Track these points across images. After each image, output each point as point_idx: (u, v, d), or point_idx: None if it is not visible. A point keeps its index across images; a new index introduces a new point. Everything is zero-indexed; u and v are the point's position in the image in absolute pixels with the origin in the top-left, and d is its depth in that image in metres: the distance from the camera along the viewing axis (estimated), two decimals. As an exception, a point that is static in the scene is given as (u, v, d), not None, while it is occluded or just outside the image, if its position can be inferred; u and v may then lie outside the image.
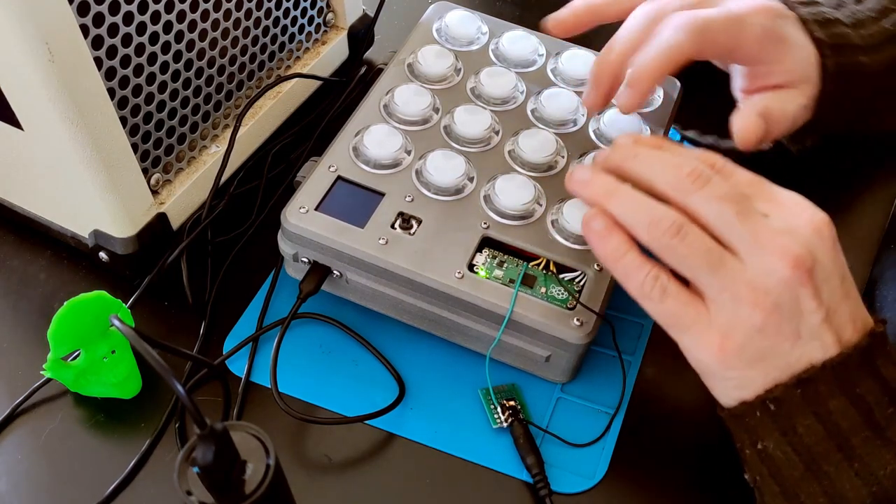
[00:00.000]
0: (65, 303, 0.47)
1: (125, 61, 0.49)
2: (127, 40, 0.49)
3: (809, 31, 0.51)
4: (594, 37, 0.55)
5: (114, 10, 0.47)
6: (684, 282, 0.42)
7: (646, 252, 0.42)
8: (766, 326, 0.40)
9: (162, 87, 0.53)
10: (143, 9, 0.49)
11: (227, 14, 0.56)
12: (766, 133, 0.50)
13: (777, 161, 0.63)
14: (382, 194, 0.51)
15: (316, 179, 0.51)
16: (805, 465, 0.40)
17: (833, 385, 0.40)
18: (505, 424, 0.49)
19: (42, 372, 0.49)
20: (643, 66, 0.47)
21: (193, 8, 0.52)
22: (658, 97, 0.58)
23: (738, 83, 0.53)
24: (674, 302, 0.41)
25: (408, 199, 0.51)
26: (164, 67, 0.52)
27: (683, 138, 0.63)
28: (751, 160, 0.59)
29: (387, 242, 0.49)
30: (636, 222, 0.41)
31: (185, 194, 0.56)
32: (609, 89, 0.49)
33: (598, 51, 0.61)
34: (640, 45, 0.48)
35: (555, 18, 0.52)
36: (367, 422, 0.50)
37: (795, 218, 0.40)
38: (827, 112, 0.53)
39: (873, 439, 0.39)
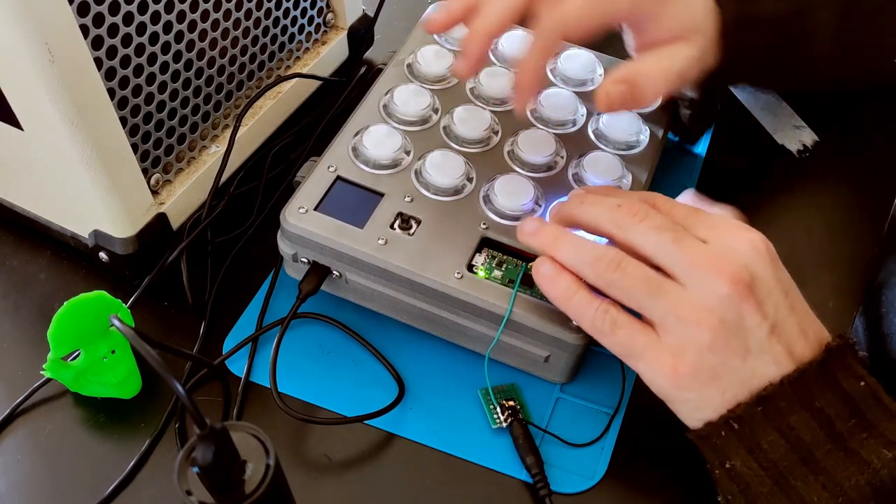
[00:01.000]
0: (65, 303, 0.47)
1: (125, 62, 0.49)
2: (127, 41, 0.49)
3: None
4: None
5: (114, 10, 0.47)
6: (636, 316, 0.43)
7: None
8: (715, 343, 0.41)
9: (162, 87, 0.53)
10: (143, 9, 0.49)
11: (227, 14, 0.56)
12: (631, 98, 0.49)
13: (777, 163, 0.63)
14: (382, 194, 0.51)
15: (315, 179, 0.52)
16: (773, 481, 0.41)
17: (792, 400, 0.40)
18: (504, 424, 0.49)
19: (42, 372, 0.49)
20: (523, 71, 0.48)
21: (193, 8, 0.52)
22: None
23: (629, 42, 0.53)
24: (624, 332, 0.43)
25: (407, 199, 0.51)
26: (164, 68, 0.52)
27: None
28: (751, 161, 0.59)
29: (386, 243, 0.49)
30: (580, 263, 0.44)
31: (185, 194, 0.56)
32: (477, 57, 0.49)
33: (599, 51, 0.61)
34: (501, 21, 0.47)
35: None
36: (366, 422, 0.50)
37: (732, 240, 0.42)
38: (734, 62, 0.52)
39: (836, 451, 0.40)
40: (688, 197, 0.49)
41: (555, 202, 0.51)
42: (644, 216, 0.43)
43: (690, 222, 0.44)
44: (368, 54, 0.71)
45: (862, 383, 0.41)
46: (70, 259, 0.58)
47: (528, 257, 0.50)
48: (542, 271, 0.45)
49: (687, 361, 0.41)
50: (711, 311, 0.41)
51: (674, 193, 0.48)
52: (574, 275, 0.44)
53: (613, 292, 0.43)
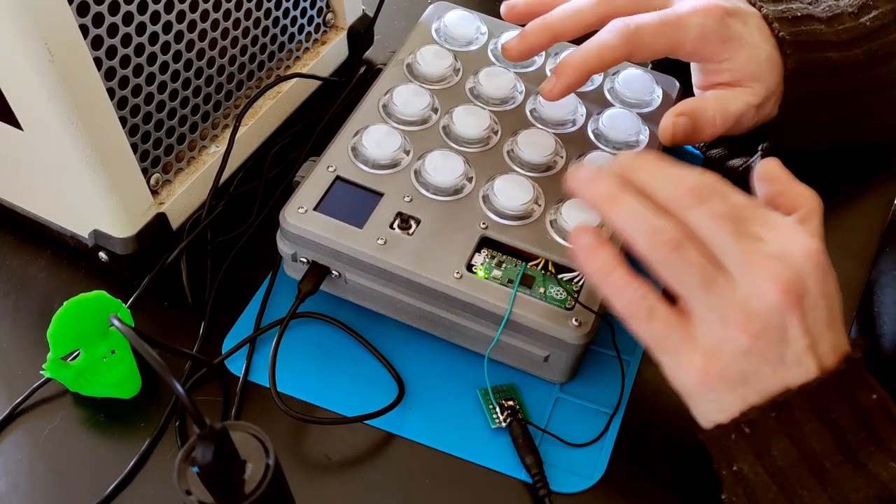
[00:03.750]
0: (65, 303, 0.47)
1: (125, 61, 0.49)
2: (126, 40, 0.49)
3: (772, 30, 0.52)
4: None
5: (113, 10, 0.47)
6: (671, 301, 0.41)
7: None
8: (752, 350, 0.39)
9: (161, 87, 0.53)
10: (142, 9, 0.49)
11: (227, 14, 0.56)
12: (692, 131, 0.51)
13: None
14: (381, 194, 0.51)
15: (314, 179, 0.52)
16: (778, 488, 0.40)
17: (807, 409, 0.39)
18: (504, 424, 0.49)
19: (42, 372, 0.49)
20: (570, 59, 0.50)
21: (193, 8, 0.52)
22: (657, 97, 0.58)
23: (693, 78, 0.55)
24: (661, 324, 0.41)
25: (406, 199, 0.51)
26: (164, 67, 0.52)
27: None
28: (750, 160, 0.59)
29: (385, 242, 0.49)
30: (636, 230, 0.40)
31: (185, 194, 0.56)
32: (531, 46, 0.52)
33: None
34: (574, 24, 0.51)
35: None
36: (366, 422, 0.50)
37: (789, 244, 0.40)
38: (793, 111, 0.53)
39: (846, 463, 0.39)
40: (769, 166, 0.46)
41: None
42: (706, 199, 0.40)
43: (747, 215, 0.41)
44: (368, 54, 0.71)
45: (874, 395, 0.40)
46: (70, 259, 0.58)
47: (527, 257, 0.50)
48: (581, 240, 0.42)
49: (719, 364, 0.40)
50: (756, 317, 0.39)
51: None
52: (614, 249, 0.42)
53: (664, 271, 0.40)
